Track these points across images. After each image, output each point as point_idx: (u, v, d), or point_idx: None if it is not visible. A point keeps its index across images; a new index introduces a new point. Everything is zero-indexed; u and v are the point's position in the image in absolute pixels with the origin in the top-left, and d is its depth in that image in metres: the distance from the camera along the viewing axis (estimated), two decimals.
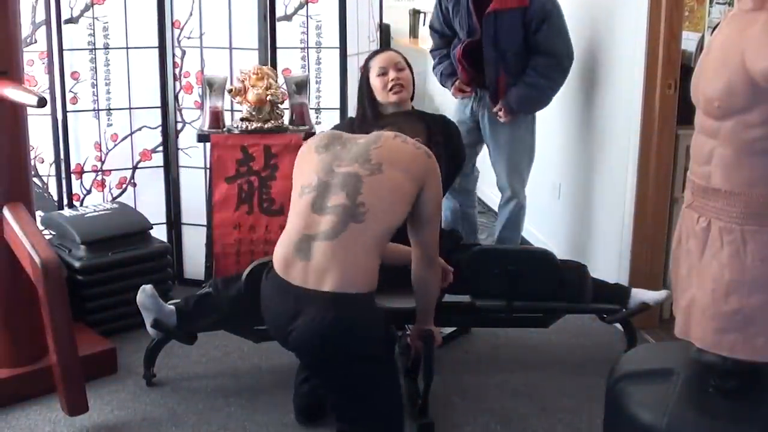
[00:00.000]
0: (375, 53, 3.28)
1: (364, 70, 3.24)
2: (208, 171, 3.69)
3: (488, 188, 4.89)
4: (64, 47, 3.69)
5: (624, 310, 3.17)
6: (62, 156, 3.76)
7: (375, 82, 3.17)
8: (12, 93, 2.60)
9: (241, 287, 2.91)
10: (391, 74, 3.14)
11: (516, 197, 3.96)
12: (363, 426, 2.48)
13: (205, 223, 3.63)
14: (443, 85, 4.10)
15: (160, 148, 3.92)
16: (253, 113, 3.51)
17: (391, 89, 3.12)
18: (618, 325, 3.34)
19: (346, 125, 3.23)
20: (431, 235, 2.54)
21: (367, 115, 3.19)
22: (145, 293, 2.90)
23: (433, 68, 4.12)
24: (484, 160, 4.11)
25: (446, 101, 5.40)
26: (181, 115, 3.89)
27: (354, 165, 2.42)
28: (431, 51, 4.12)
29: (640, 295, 3.18)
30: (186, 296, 3.03)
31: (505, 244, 4.00)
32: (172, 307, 2.95)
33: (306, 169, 2.52)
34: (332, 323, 2.29)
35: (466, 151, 3.45)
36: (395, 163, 2.43)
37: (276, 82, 3.52)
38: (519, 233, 4.08)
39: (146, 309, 2.91)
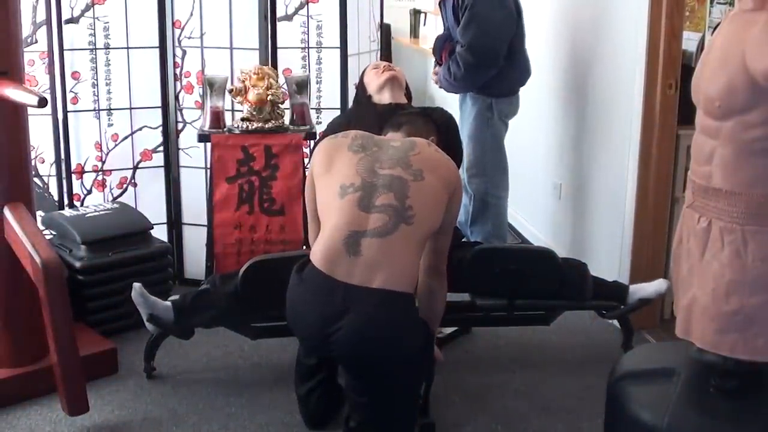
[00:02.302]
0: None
1: (360, 77, 3.39)
2: (208, 171, 3.69)
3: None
4: (64, 47, 3.69)
5: (623, 307, 3.18)
6: (63, 156, 3.76)
7: (369, 77, 3.30)
8: (13, 93, 2.60)
9: (238, 284, 2.91)
10: (383, 64, 3.36)
11: (473, 190, 3.99)
12: (391, 427, 2.46)
13: (206, 223, 3.64)
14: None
15: (161, 148, 3.92)
16: (254, 113, 3.51)
17: (383, 71, 3.27)
18: (616, 323, 3.34)
19: (343, 120, 3.26)
20: (446, 244, 2.53)
21: (362, 110, 3.25)
22: (135, 291, 2.91)
23: None
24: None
25: (447, 101, 5.39)
26: (182, 115, 3.88)
27: (396, 169, 2.40)
28: None
29: (640, 291, 3.19)
30: (184, 292, 3.04)
31: (473, 239, 4.00)
32: (168, 303, 2.96)
33: (342, 168, 2.44)
34: (382, 323, 2.27)
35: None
36: (433, 171, 2.43)
37: (277, 82, 3.53)
38: (489, 228, 4.01)
39: (140, 305, 2.93)
